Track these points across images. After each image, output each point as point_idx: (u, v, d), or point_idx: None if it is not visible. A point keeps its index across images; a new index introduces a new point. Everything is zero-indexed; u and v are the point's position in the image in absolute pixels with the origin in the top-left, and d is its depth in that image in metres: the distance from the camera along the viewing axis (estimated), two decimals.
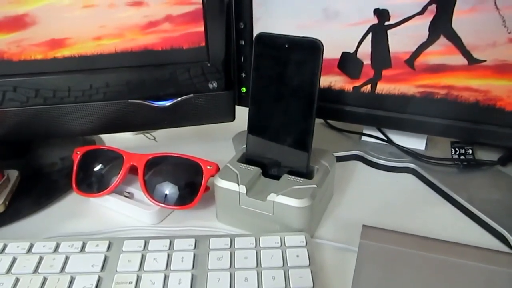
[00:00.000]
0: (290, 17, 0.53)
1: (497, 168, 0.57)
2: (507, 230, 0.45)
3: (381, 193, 0.54)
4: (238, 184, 0.45)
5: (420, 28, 0.48)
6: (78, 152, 0.52)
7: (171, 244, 0.42)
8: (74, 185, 0.52)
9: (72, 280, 0.39)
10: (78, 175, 0.52)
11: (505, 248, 0.45)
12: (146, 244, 0.42)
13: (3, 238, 0.43)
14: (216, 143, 0.65)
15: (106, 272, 0.39)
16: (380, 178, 0.57)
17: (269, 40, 0.46)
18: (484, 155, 0.59)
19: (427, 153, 0.58)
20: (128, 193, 0.52)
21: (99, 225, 0.49)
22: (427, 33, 0.48)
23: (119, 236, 0.45)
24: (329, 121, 0.67)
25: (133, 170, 0.50)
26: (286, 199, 0.43)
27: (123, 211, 0.50)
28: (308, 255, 0.41)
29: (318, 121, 0.65)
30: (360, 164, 0.60)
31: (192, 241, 0.42)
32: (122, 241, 0.43)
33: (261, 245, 0.42)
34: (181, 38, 0.51)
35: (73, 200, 0.53)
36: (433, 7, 0.46)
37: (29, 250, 0.42)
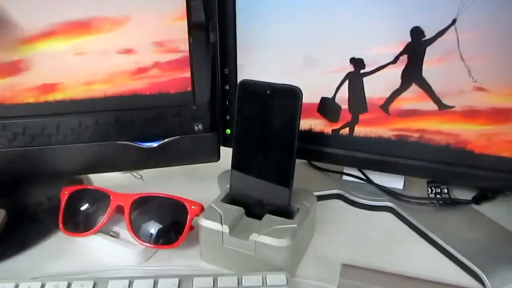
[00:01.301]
0: (272, 64, 0.56)
1: (472, 207, 0.59)
2: (481, 268, 0.47)
3: (360, 231, 0.56)
4: (222, 224, 0.47)
5: (393, 76, 0.51)
6: (66, 192, 0.54)
7: (155, 284, 0.43)
8: (61, 225, 0.52)
9: None
10: (65, 214, 0.53)
11: (479, 286, 0.46)
12: (130, 284, 0.43)
13: None
14: (201, 182, 0.66)
15: None
16: (360, 217, 0.59)
17: (252, 87, 0.48)
18: (459, 194, 0.61)
19: (405, 192, 0.60)
20: (114, 232, 0.52)
21: (84, 265, 0.49)
22: (399, 80, 0.51)
23: (104, 276, 0.46)
24: None
25: (119, 209, 0.51)
26: (267, 238, 0.45)
27: (109, 250, 0.51)
28: None
29: (301, 160, 0.68)
30: (340, 203, 0.62)
31: (176, 280, 0.43)
32: (107, 281, 0.43)
33: (243, 284, 0.43)
34: (169, 83, 0.54)
35: (59, 239, 0.53)
36: (404, 57, 0.50)
37: None
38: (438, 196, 0.59)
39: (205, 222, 0.47)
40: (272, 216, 0.48)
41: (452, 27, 0.46)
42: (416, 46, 0.49)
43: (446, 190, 0.60)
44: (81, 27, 0.49)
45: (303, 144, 0.51)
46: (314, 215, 0.53)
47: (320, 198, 0.60)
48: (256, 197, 0.50)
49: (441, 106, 0.50)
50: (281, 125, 0.48)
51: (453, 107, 0.50)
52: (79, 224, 0.52)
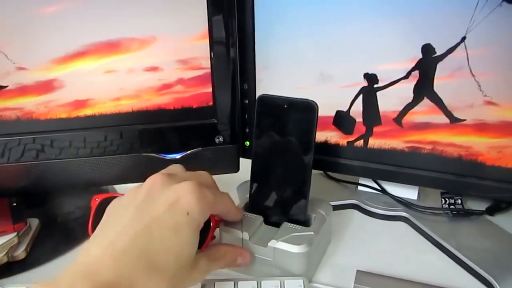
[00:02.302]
0: (289, 80, 0.58)
1: (485, 218, 0.60)
2: (493, 277, 0.48)
3: (375, 240, 0.57)
4: (242, 232, 0.49)
5: (405, 90, 0.53)
6: (97, 199, 0.56)
7: None
8: (90, 232, 0.55)
9: None
10: (95, 221, 0.55)
11: None
12: None
13: (25, 283, 0.47)
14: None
15: None
16: (375, 226, 0.61)
17: (270, 101, 0.51)
18: (473, 204, 0.62)
19: (419, 203, 0.62)
20: None
21: None
22: (412, 95, 0.53)
23: None
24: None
25: None
26: (285, 245, 0.47)
27: None
28: None
29: (317, 171, 0.70)
30: (356, 213, 0.64)
31: (199, 286, 0.46)
32: None
33: None
34: (191, 98, 0.57)
35: None
36: (416, 73, 0.52)
37: None
38: (451, 206, 0.60)
39: (226, 229, 0.50)
40: (289, 224, 0.50)
41: (462, 44, 0.48)
42: (427, 62, 0.51)
43: (459, 201, 0.61)
44: (110, 47, 0.52)
45: (319, 156, 0.53)
46: (330, 223, 0.54)
47: (336, 208, 0.62)
48: (274, 206, 0.52)
49: (453, 119, 0.52)
50: (298, 138, 0.50)
51: (464, 120, 0.52)
52: None
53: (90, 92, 0.54)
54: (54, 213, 0.63)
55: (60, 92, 0.53)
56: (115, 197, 0.56)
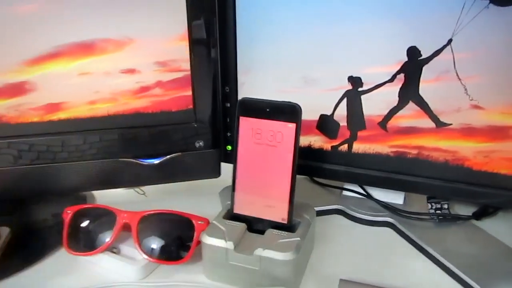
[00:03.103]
0: (272, 83, 0.57)
1: (472, 223, 0.59)
2: (479, 284, 0.47)
3: (360, 247, 0.56)
4: (226, 241, 0.47)
5: (391, 94, 0.52)
6: (69, 211, 0.54)
7: None
8: (65, 245, 0.52)
9: None
10: (69, 234, 0.53)
11: None
12: None
13: None
14: (203, 197, 0.66)
15: None
16: (360, 232, 0.60)
17: (252, 104, 0.49)
18: (460, 209, 0.61)
19: (405, 208, 0.61)
20: (115, 248, 0.53)
21: (87, 281, 0.50)
22: (397, 98, 0.52)
23: None
24: None
25: (125, 227, 0.52)
26: (272, 253, 0.45)
27: (110, 267, 0.51)
28: None
29: (302, 176, 0.68)
30: (341, 218, 0.63)
31: None
32: None
33: None
34: (171, 102, 0.55)
35: (62, 256, 0.54)
36: (401, 76, 0.51)
37: None
38: (438, 211, 0.59)
39: (208, 240, 0.48)
40: (274, 230, 0.49)
41: (448, 47, 0.47)
42: (413, 65, 0.50)
43: (446, 206, 0.60)
44: (85, 48, 0.50)
45: (302, 160, 0.52)
46: (314, 227, 0.53)
47: (321, 213, 0.61)
48: (257, 213, 0.51)
49: (439, 123, 0.51)
50: (282, 142, 0.48)
51: (450, 124, 0.51)
52: (84, 243, 0.53)
53: (63, 95, 0.52)
54: (26, 221, 0.60)
55: (32, 95, 0.51)
56: (88, 208, 0.55)
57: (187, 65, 0.54)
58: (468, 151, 0.51)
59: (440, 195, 0.57)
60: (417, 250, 0.55)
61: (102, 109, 0.54)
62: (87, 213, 0.54)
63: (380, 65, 0.51)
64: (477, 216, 0.60)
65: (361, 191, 0.64)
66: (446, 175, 0.53)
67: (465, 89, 0.48)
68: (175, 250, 0.51)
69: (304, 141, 0.58)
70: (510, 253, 0.53)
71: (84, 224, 0.54)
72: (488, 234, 0.57)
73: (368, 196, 0.63)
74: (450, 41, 0.47)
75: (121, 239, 0.53)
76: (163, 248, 0.50)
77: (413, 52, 0.49)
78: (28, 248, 0.55)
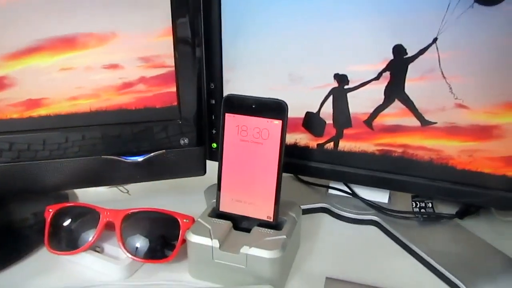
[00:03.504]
0: (258, 80, 0.56)
1: (456, 221, 0.59)
2: (463, 282, 0.48)
3: (345, 245, 0.56)
4: (211, 239, 0.47)
5: (376, 92, 0.52)
6: (50, 210, 0.53)
7: None
8: (47, 244, 0.52)
9: None
10: (51, 233, 0.52)
11: None
12: None
13: None
14: (188, 196, 0.66)
15: None
16: (345, 230, 0.60)
17: (237, 101, 0.49)
18: (444, 208, 0.62)
19: (390, 206, 0.61)
20: (99, 247, 0.52)
21: (69, 281, 0.49)
22: (383, 96, 0.52)
23: None
24: None
25: (109, 225, 0.51)
26: (258, 251, 0.45)
27: (93, 266, 0.51)
28: None
29: (287, 174, 0.68)
30: (326, 216, 0.63)
31: None
32: None
33: None
34: (154, 98, 0.54)
35: (44, 255, 0.53)
36: (387, 74, 0.51)
37: None
38: (422, 210, 0.60)
39: (194, 238, 0.47)
40: (260, 228, 0.48)
41: (433, 46, 0.47)
42: (398, 64, 0.49)
43: (430, 205, 0.60)
44: (66, 43, 0.49)
45: (288, 158, 0.52)
46: (299, 225, 0.53)
47: (306, 211, 0.61)
48: (243, 211, 0.50)
49: (424, 122, 0.51)
50: (267, 139, 0.48)
51: (435, 123, 0.51)
52: (66, 242, 0.52)
53: (44, 90, 0.51)
54: (7, 219, 0.59)
55: (11, 90, 0.49)
56: (70, 207, 0.54)
57: (171, 61, 0.53)
58: (453, 150, 0.51)
59: (424, 193, 0.57)
60: (402, 248, 0.55)
61: (84, 105, 0.52)
62: (69, 211, 0.53)
63: (366, 63, 0.51)
64: (460, 215, 0.60)
65: (347, 189, 0.64)
66: (430, 174, 0.53)
67: (450, 88, 0.48)
68: (160, 249, 0.50)
69: (290, 139, 0.58)
70: (492, 252, 0.53)
71: (66, 222, 0.53)
72: (471, 233, 0.57)
73: (354, 194, 0.63)
74: (435, 39, 0.47)
75: (104, 238, 0.52)
76: (147, 247, 0.50)
77: (398, 50, 0.49)
78: (8, 247, 0.54)
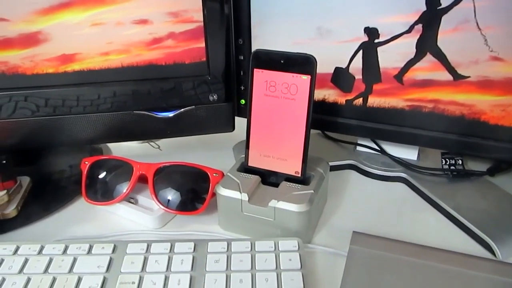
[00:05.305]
0: (285, 35, 0.56)
1: (486, 179, 0.59)
2: (491, 238, 0.47)
3: (373, 201, 0.57)
4: (240, 192, 0.48)
5: (408, 45, 0.51)
6: (86, 162, 0.55)
7: (171, 247, 0.45)
8: (84, 195, 0.54)
9: (79, 280, 0.41)
10: (87, 184, 0.55)
11: (489, 255, 0.47)
12: (148, 247, 0.45)
13: (16, 241, 0.46)
14: (217, 151, 0.67)
15: (110, 273, 0.42)
16: (373, 187, 0.60)
17: (266, 56, 0.48)
18: (474, 165, 0.61)
19: (419, 163, 0.60)
20: (133, 199, 0.54)
21: (105, 229, 0.52)
22: (414, 50, 0.51)
23: (123, 240, 0.48)
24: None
25: (142, 178, 0.53)
26: (286, 204, 0.46)
27: (128, 216, 0.53)
28: (300, 259, 0.43)
29: (315, 131, 0.68)
30: (354, 173, 0.63)
31: (192, 244, 0.45)
32: (126, 244, 0.45)
33: (256, 249, 0.44)
34: (184, 54, 0.55)
35: (81, 205, 0.56)
36: (419, 27, 0.49)
37: (40, 252, 0.44)
38: (452, 167, 0.59)
39: (223, 191, 0.48)
40: (288, 183, 0.49)
41: None
42: (431, 15, 0.48)
43: (460, 162, 0.59)
44: None
45: (316, 114, 0.52)
46: (327, 181, 0.53)
47: (334, 168, 0.61)
48: (271, 166, 0.51)
49: (456, 76, 0.50)
50: (295, 94, 0.48)
51: (468, 77, 0.49)
52: (102, 193, 0.54)
53: (77, 46, 0.52)
54: (45, 171, 0.62)
55: (45, 45, 0.51)
56: (105, 159, 0.56)
57: (199, 16, 0.53)
58: (485, 104, 0.50)
59: (455, 150, 0.56)
60: (430, 204, 0.55)
61: (116, 60, 0.53)
62: (104, 164, 0.55)
63: (397, 15, 0.49)
64: (491, 172, 0.59)
65: (375, 146, 0.64)
66: (461, 130, 0.52)
67: (485, 40, 0.47)
68: (191, 201, 0.52)
69: (318, 95, 0.58)
70: None
71: (101, 175, 0.55)
72: (501, 190, 0.56)
73: (382, 151, 0.63)
74: None
75: (138, 190, 0.54)
76: (179, 199, 0.51)
77: (432, 1, 0.47)
78: (48, 197, 0.56)
